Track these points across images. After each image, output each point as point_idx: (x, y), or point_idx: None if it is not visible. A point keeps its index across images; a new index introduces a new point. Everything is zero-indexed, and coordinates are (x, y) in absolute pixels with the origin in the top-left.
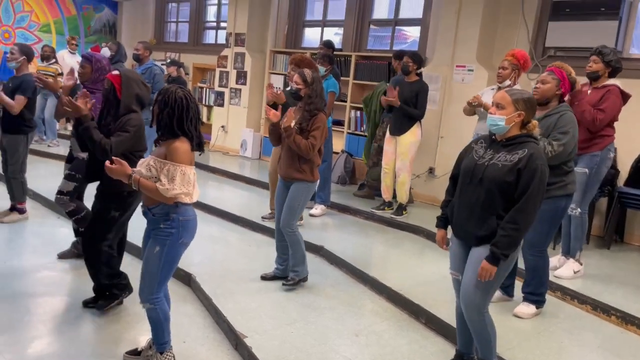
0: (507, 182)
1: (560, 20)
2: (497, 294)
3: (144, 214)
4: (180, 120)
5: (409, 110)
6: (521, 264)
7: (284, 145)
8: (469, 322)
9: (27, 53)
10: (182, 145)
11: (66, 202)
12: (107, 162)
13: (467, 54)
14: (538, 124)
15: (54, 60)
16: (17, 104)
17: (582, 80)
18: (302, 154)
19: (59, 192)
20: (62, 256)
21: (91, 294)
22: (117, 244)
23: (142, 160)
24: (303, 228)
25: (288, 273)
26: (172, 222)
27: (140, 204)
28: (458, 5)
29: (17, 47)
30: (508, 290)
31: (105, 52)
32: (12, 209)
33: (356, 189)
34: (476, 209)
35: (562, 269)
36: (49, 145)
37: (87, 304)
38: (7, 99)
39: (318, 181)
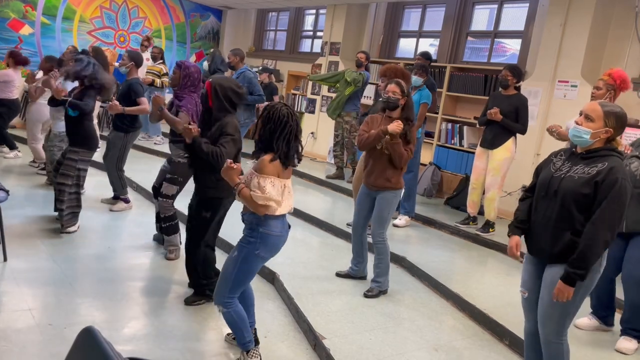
0: (583, 195)
1: None
2: (595, 323)
3: (241, 218)
4: (278, 138)
5: (511, 125)
6: (619, 294)
7: (374, 154)
8: (544, 344)
9: (135, 59)
10: (267, 157)
11: (170, 206)
12: (228, 162)
13: (571, 69)
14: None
15: (160, 61)
16: (144, 106)
17: None
18: (397, 164)
19: (164, 196)
20: (157, 238)
21: (181, 281)
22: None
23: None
24: None
25: (361, 274)
26: (253, 232)
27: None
28: (564, 18)
29: (127, 54)
30: (606, 320)
31: (205, 66)
32: (116, 198)
33: (443, 202)
34: (550, 223)
35: None
36: (155, 143)
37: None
38: (134, 109)
39: (403, 189)
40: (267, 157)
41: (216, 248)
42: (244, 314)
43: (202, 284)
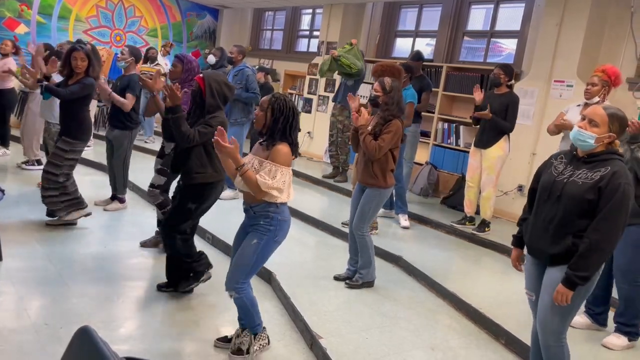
0: (587, 201)
1: None
2: (587, 321)
3: (246, 210)
4: (290, 127)
5: (500, 122)
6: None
7: (361, 151)
8: (544, 348)
9: (135, 55)
10: (284, 148)
11: (156, 195)
12: (222, 141)
13: (567, 68)
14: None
15: (157, 62)
16: (129, 102)
17: None
18: (369, 155)
19: (151, 185)
20: (144, 244)
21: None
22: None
23: (246, 158)
24: (381, 237)
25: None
26: (271, 220)
27: (242, 201)
28: (559, 18)
29: (128, 49)
30: (599, 319)
31: (211, 59)
32: (113, 198)
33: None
34: (551, 226)
35: None
36: (145, 142)
37: (160, 287)
38: (120, 98)
39: (392, 188)
40: (283, 147)
41: (215, 248)
42: (255, 298)
43: (187, 263)
